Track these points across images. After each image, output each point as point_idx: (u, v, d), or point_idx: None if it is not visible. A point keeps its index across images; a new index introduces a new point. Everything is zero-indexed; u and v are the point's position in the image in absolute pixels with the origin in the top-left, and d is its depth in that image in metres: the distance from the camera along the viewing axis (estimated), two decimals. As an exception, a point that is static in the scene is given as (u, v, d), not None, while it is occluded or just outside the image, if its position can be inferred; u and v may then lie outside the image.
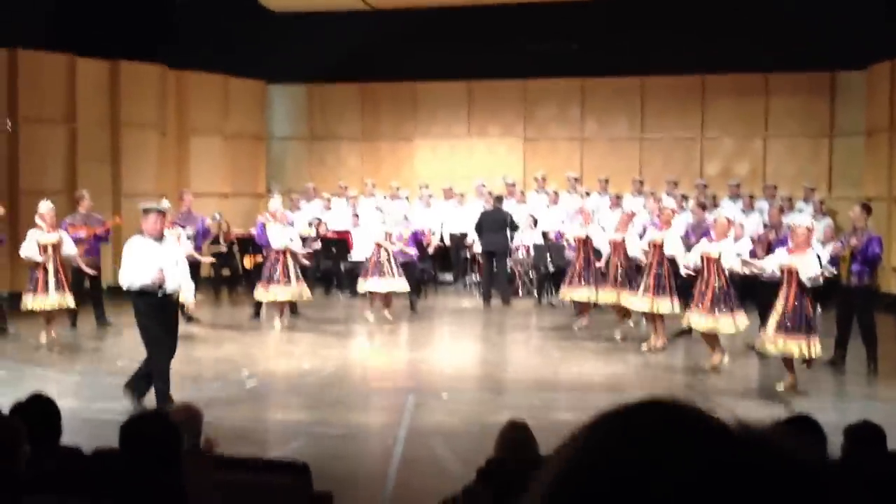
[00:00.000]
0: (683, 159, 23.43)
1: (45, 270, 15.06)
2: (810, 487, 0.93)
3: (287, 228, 17.26)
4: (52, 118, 20.12)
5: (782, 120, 22.95)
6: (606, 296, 16.28)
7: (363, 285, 17.89)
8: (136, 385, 10.83)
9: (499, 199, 20.81)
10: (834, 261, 13.71)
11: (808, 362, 12.34)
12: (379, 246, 17.74)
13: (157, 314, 10.80)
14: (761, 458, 0.94)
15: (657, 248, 14.89)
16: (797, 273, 11.94)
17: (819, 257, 12.96)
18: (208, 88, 23.51)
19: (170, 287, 10.79)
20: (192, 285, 11.49)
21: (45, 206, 15.22)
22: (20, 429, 5.00)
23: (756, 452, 0.94)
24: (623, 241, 15.82)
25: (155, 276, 10.56)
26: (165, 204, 11.54)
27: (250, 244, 20.39)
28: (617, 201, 20.85)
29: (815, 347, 12.03)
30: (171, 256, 10.80)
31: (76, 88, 20.46)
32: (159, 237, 10.79)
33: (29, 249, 15.06)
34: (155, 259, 10.65)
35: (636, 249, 15.49)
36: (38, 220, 15.13)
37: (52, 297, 15.01)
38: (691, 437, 0.96)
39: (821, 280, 12.08)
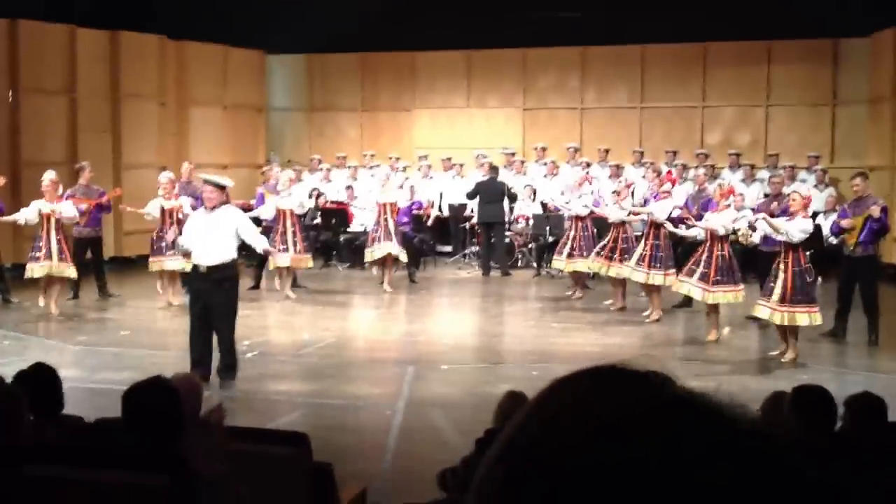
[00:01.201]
0: (684, 129, 23.35)
1: (48, 240, 15.14)
2: (762, 460, 0.93)
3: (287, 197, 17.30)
4: (52, 89, 20.08)
5: (784, 88, 22.85)
6: (604, 267, 16.22)
7: (369, 254, 17.99)
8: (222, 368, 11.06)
9: (494, 169, 20.77)
10: (836, 231, 13.67)
11: (794, 332, 12.35)
12: (381, 211, 17.76)
13: (193, 284, 11.24)
14: (713, 427, 0.94)
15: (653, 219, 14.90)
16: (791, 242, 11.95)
17: (819, 228, 12.96)
18: (208, 59, 23.43)
19: (196, 256, 10.88)
20: (261, 242, 11.50)
21: (48, 176, 15.32)
22: (22, 398, 5.02)
23: (708, 421, 0.94)
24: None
25: (178, 238, 11.00)
26: (226, 181, 11.54)
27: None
28: (617, 171, 20.81)
29: (815, 316, 12.05)
30: (215, 227, 10.83)
31: (76, 59, 20.39)
32: (211, 208, 10.95)
33: (28, 213, 15.20)
34: (195, 227, 10.98)
35: (622, 214, 15.57)
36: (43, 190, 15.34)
37: (52, 265, 15.10)
38: (636, 404, 0.96)
39: (798, 238, 12.03)
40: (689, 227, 14.65)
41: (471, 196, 20.72)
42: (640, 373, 1.01)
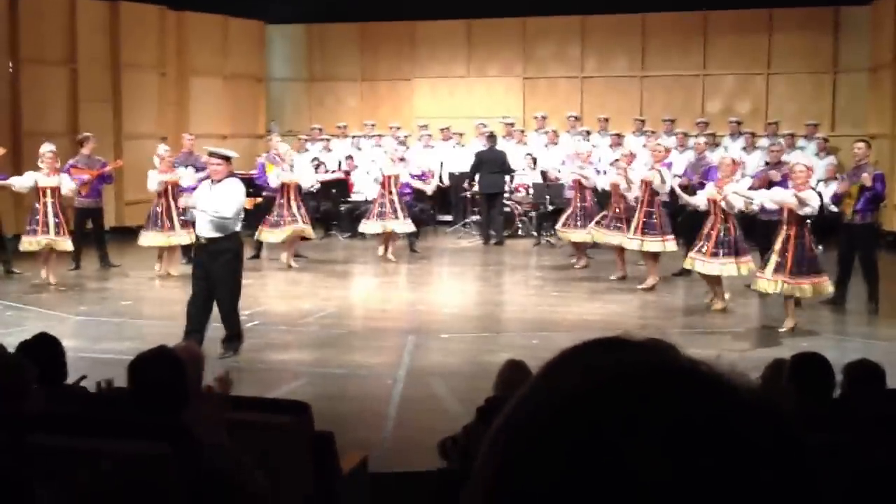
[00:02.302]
0: (684, 97, 23.32)
1: (45, 213, 15.16)
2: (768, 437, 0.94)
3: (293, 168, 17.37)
4: (53, 59, 20.05)
5: (785, 57, 22.80)
6: (603, 236, 16.21)
7: (364, 226, 18.04)
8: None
9: (492, 139, 20.74)
10: (836, 199, 13.68)
11: (798, 302, 12.35)
12: (384, 185, 17.79)
13: (196, 255, 11.25)
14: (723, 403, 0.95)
15: (648, 186, 14.86)
16: (797, 213, 11.89)
17: (821, 195, 12.94)
18: (208, 29, 23.39)
19: (198, 228, 10.96)
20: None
21: (47, 148, 15.32)
22: (31, 369, 5.05)
23: (717, 396, 0.95)
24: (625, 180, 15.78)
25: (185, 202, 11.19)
26: (231, 153, 11.50)
27: (249, 185, 20.34)
28: (618, 141, 20.78)
29: (824, 286, 12.05)
30: (211, 199, 10.78)
31: (76, 29, 20.34)
32: (215, 180, 10.87)
33: (23, 181, 15.20)
34: (198, 196, 11.00)
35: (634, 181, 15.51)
36: (39, 162, 15.27)
37: (49, 238, 15.12)
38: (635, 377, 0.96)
39: (814, 211, 12.04)
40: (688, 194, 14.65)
41: (474, 169, 20.63)
42: (646, 342, 1.02)
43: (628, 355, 1.00)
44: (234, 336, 10.97)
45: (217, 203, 10.79)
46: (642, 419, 0.91)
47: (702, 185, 15.08)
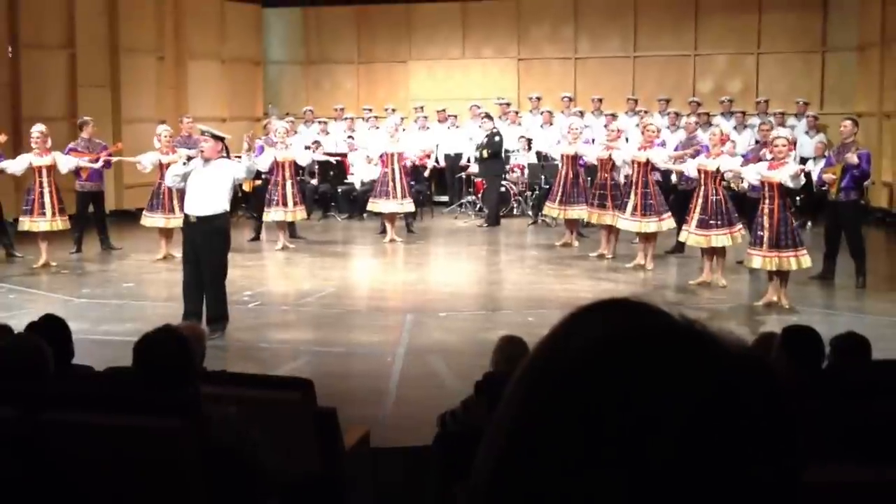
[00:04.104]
0: (676, 77, 23.46)
1: (41, 193, 15.25)
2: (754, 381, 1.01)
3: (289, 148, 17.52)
4: (51, 44, 20.06)
5: (775, 36, 22.96)
6: (598, 217, 16.36)
7: (372, 205, 18.17)
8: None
9: (491, 120, 20.81)
10: (821, 183, 13.81)
11: (784, 278, 12.46)
12: (387, 162, 17.88)
13: (185, 235, 11.02)
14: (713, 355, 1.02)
15: (641, 166, 14.97)
16: (779, 187, 12.03)
17: (809, 174, 13.08)
18: (205, 12, 23.44)
19: (189, 207, 10.86)
20: (247, 165, 11.35)
21: (36, 129, 15.41)
22: (47, 349, 5.18)
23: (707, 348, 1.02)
24: (610, 157, 15.89)
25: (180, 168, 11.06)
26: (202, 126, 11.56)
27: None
28: (611, 120, 20.87)
29: (803, 259, 12.19)
30: (211, 179, 10.75)
31: (75, 13, 20.36)
32: (207, 159, 10.84)
33: (16, 165, 15.32)
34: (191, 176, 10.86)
35: (624, 160, 15.58)
36: (32, 143, 15.39)
37: (47, 220, 15.23)
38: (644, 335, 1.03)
39: (802, 179, 12.21)
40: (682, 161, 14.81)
41: (500, 148, 20.56)
42: (648, 304, 1.10)
43: (633, 314, 1.07)
44: (221, 316, 10.98)
45: (236, 173, 10.99)
46: (652, 379, 0.97)
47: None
